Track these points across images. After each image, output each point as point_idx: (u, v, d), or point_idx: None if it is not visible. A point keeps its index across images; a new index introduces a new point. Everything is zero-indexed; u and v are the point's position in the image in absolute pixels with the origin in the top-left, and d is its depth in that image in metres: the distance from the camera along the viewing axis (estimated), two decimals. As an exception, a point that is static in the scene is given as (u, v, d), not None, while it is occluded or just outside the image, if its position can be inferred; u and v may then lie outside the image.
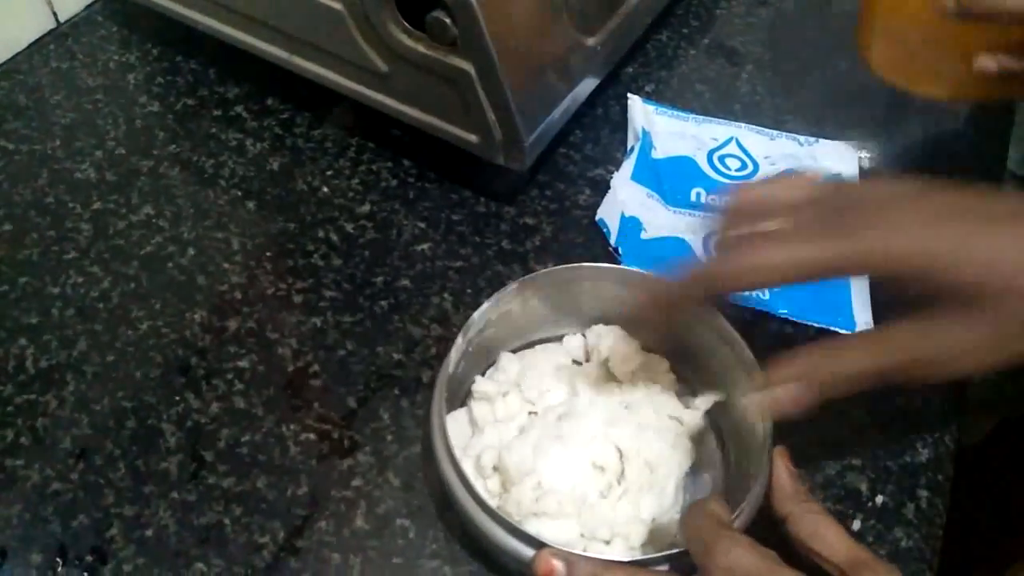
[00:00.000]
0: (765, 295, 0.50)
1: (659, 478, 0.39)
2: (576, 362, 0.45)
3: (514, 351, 0.45)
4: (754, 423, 0.38)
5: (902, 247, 0.31)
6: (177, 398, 0.45)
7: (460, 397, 0.43)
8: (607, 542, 0.37)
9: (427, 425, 0.41)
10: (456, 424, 0.41)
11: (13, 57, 0.61)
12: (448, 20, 0.45)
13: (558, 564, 0.34)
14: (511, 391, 0.42)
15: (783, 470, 0.36)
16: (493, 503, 0.36)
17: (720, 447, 0.43)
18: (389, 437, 0.44)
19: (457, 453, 0.37)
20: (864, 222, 0.32)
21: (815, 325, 0.49)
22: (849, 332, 0.49)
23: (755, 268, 0.33)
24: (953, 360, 0.33)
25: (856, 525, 0.42)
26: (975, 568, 0.55)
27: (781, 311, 0.49)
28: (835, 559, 0.33)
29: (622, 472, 0.39)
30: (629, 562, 0.34)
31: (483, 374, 0.44)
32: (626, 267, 0.45)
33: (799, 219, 0.33)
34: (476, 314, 0.41)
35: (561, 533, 0.37)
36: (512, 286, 0.42)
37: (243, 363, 0.47)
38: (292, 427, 0.44)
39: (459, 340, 0.41)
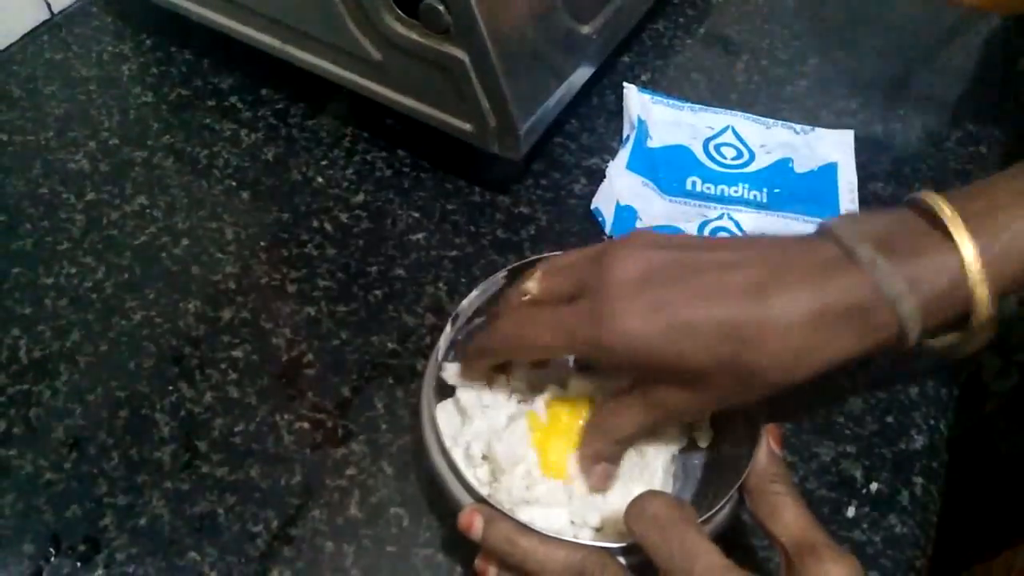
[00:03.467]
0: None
1: (648, 461, 0.39)
2: None
3: None
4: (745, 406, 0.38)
5: (622, 345, 0.33)
6: (171, 388, 0.45)
7: (451, 386, 0.43)
8: (598, 529, 0.37)
9: (416, 414, 0.41)
10: (446, 413, 0.41)
11: (7, 48, 0.61)
12: (442, 8, 0.45)
13: (477, 520, 0.35)
14: (498, 378, 0.42)
15: (764, 448, 0.35)
16: (483, 491, 0.36)
17: (712, 429, 0.42)
18: (383, 426, 0.44)
19: (447, 442, 0.37)
20: (595, 313, 0.34)
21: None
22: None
23: (511, 344, 0.38)
24: (682, 416, 0.38)
25: (851, 512, 0.42)
26: (969, 554, 0.55)
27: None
28: (784, 539, 0.32)
29: None
30: (598, 544, 0.34)
31: None
32: None
33: (547, 291, 0.37)
34: (465, 302, 0.41)
35: (551, 521, 0.37)
36: (501, 273, 0.42)
37: (237, 353, 0.47)
38: (286, 416, 0.44)
39: (448, 328, 0.41)
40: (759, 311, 0.32)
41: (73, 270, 0.50)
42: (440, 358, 0.40)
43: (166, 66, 0.61)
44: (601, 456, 0.38)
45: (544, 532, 0.34)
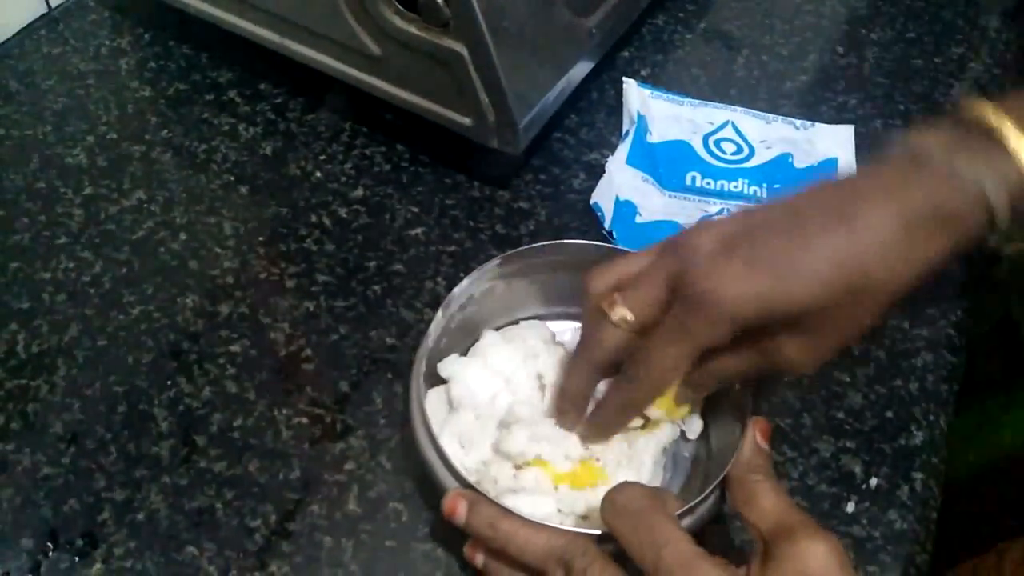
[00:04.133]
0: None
1: (636, 452, 0.39)
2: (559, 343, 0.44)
3: (499, 329, 0.45)
4: (736, 396, 0.38)
5: (738, 310, 0.33)
6: (169, 383, 0.45)
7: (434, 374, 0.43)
8: (584, 517, 0.37)
9: (406, 402, 0.41)
10: (437, 401, 0.41)
11: (4, 42, 0.61)
12: (441, 1, 0.45)
13: (461, 505, 0.35)
14: (486, 369, 0.41)
15: (749, 440, 0.35)
16: (471, 478, 0.36)
17: (703, 421, 0.42)
18: (382, 421, 0.44)
19: (435, 429, 0.37)
20: (698, 297, 0.33)
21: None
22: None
23: (655, 384, 0.36)
24: (793, 367, 0.35)
25: (850, 507, 0.42)
26: (968, 547, 0.54)
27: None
28: (761, 526, 0.32)
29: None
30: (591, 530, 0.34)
31: (466, 352, 0.43)
32: (611, 245, 0.44)
33: (644, 306, 0.35)
34: (456, 290, 0.41)
35: (538, 508, 0.37)
36: (494, 262, 0.42)
37: (235, 347, 0.47)
38: (284, 411, 0.44)
39: (438, 315, 0.41)
40: (851, 232, 0.32)
41: (71, 264, 0.50)
42: (431, 345, 0.40)
43: (164, 60, 0.61)
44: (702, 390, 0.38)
45: (527, 517, 0.34)
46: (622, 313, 0.35)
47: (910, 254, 0.32)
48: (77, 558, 0.40)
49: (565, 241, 0.44)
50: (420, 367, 0.39)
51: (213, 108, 0.58)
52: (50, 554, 0.40)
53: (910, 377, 0.47)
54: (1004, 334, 0.60)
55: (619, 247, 0.45)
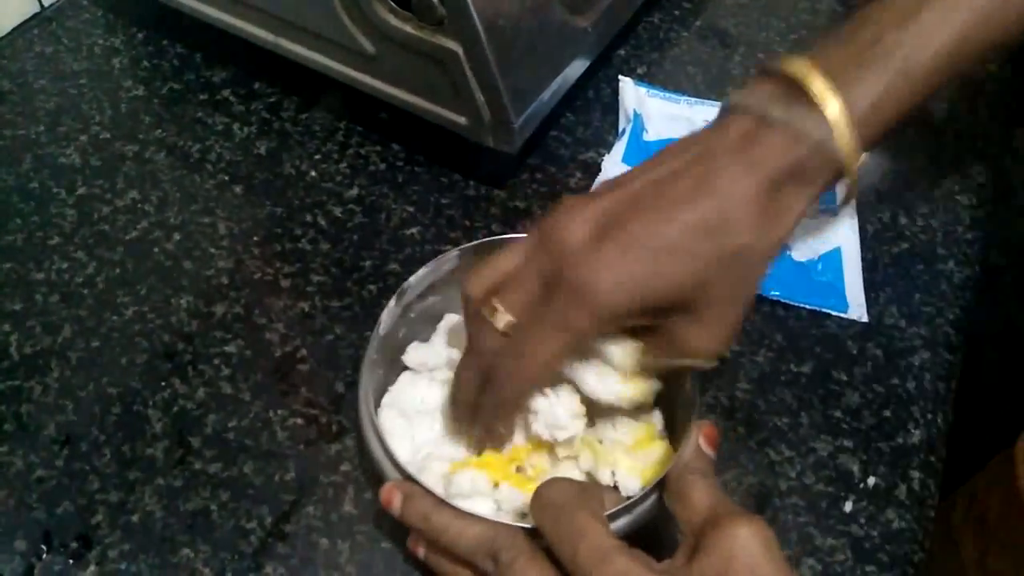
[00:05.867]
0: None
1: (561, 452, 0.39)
2: None
3: None
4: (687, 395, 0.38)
5: (616, 298, 0.32)
6: (163, 384, 0.45)
7: (401, 364, 0.43)
8: (524, 514, 0.37)
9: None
10: (412, 387, 0.41)
11: (-4, 42, 0.61)
12: (435, 0, 0.45)
13: (396, 497, 0.35)
14: (446, 348, 0.42)
15: (692, 443, 0.35)
16: (411, 469, 0.36)
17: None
18: (378, 422, 0.44)
19: (397, 419, 0.38)
20: (574, 290, 0.32)
21: (807, 307, 0.49)
22: (842, 313, 0.49)
23: (522, 385, 0.35)
24: (697, 353, 0.34)
25: (848, 507, 0.42)
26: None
27: (773, 293, 0.49)
28: (692, 520, 0.31)
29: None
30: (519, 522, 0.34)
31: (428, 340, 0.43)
32: None
33: (524, 306, 0.34)
34: (412, 278, 0.41)
35: (476, 510, 0.37)
36: (452, 252, 0.42)
37: (230, 348, 0.46)
38: (279, 412, 0.44)
39: (391, 303, 0.41)
40: (715, 201, 0.32)
41: (64, 265, 0.49)
42: (382, 333, 0.40)
43: (158, 60, 0.60)
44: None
45: (460, 508, 0.34)
46: (506, 319, 0.34)
47: (774, 214, 0.32)
48: (71, 560, 0.39)
49: (526, 235, 0.44)
50: (370, 354, 0.39)
51: (207, 107, 0.58)
52: (44, 556, 0.39)
53: (908, 376, 0.46)
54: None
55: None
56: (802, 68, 0.32)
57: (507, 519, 0.37)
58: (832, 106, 0.31)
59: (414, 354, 0.42)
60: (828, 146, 0.32)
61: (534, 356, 0.34)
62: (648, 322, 0.34)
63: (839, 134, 0.32)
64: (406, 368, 0.42)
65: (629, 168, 0.53)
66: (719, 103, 0.57)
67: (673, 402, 0.40)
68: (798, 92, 0.32)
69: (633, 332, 0.36)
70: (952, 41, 0.33)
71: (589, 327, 0.33)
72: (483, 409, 0.37)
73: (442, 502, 0.35)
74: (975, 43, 0.33)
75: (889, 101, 0.32)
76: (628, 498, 0.35)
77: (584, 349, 0.36)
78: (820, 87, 0.31)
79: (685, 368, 0.36)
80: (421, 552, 0.37)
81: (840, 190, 0.35)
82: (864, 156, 0.33)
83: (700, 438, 0.35)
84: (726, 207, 0.32)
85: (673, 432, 0.40)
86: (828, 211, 0.35)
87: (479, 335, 0.35)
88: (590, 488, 0.34)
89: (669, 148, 0.35)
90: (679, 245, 0.32)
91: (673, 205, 0.32)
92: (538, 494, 0.33)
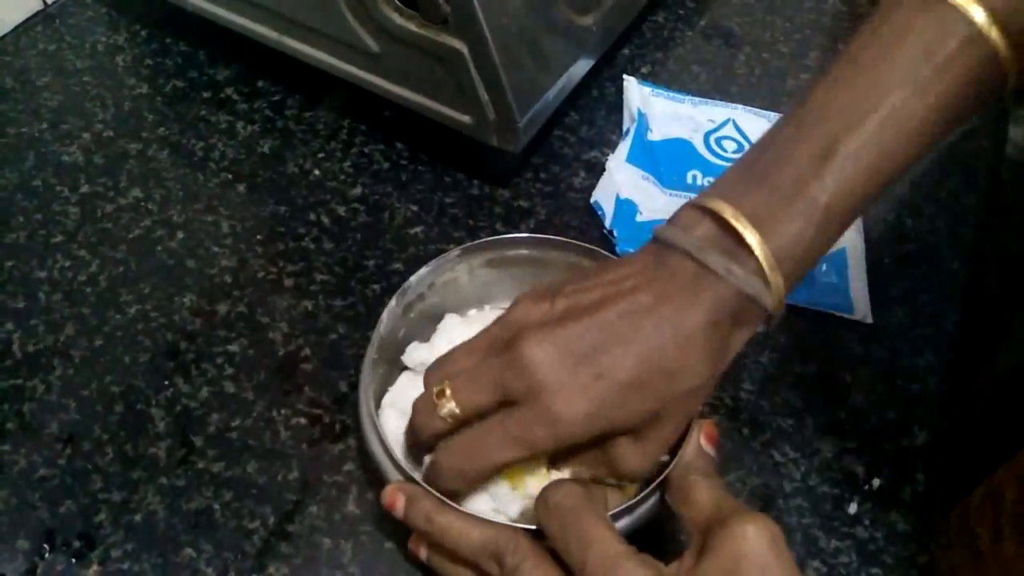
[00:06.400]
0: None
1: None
2: None
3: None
4: None
5: (579, 428, 0.33)
6: (166, 383, 0.45)
7: (401, 364, 0.43)
8: (522, 514, 0.37)
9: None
10: (412, 388, 0.41)
11: (0, 39, 0.61)
12: (440, -2, 0.45)
13: (399, 499, 0.36)
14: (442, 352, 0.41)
15: (693, 443, 0.36)
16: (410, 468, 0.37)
17: None
18: (381, 421, 0.44)
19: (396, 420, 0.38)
20: (538, 413, 0.33)
21: (811, 308, 0.49)
22: (846, 314, 0.48)
23: (466, 482, 0.36)
24: (631, 473, 0.35)
25: (853, 508, 0.42)
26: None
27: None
28: (697, 520, 0.32)
29: None
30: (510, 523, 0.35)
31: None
32: (572, 240, 0.43)
33: (474, 407, 0.35)
34: (413, 278, 0.41)
35: (475, 507, 0.37)
36: (454, 252, 0.42)
37: (233, 347, 0.46)
38: (283, 411, 0.44)
39: (392, 303, 0.41)
40: (677, 344, 0.33)
41: (67, 263, 0.49)
42: (383, 332, 0.40)
43: (161, 57, 0.60)
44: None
45: (462, 510, 0.34)
46: (449, 408, 0.35)
47: (719, 355, 0.34)
48: (74, 560, 0.39)
49: (527, 235, 0.44)
50: (371, 354, 0.39)
51: (211, 105, 0.57)
52: (46, 556, 0.39)
53: (913, 377, 0.46)
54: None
55: (573, 240, 0.44)
56: (733, 216, 0.33)
57: (504, 519, 0.37)
58: (765, 260, 0.33)
59: (414, 354, 0.42)
60: (763, 299, 0.33)
61: (486, 459, 0.35)
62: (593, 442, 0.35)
63: (773, 287, 0.33)
64: (406, 368, 0.42)
65: (634, 168, 0.53)
66: (724, 103, 0.58)
67: None
68: (732, 238, 0.33)
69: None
70: (867, 181, 0.33)
71: (547, 447, 0.34)
72: (431, 478, 0.37)
73: (445, 504, 0.35)
74: (887, 175, 0.34)
75: (814, 250, 0.34)
76: (630, 499, 0.35)
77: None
78: (754, 241, 0.33)
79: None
80: (423, 554, 0.37)
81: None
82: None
83: (701, 437, 0.36)
84: (685, 350, 0.33)
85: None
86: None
87: (424, 416, 0.36)
88: (595, 490, 0.34)
89: (628, 273, 0.35)
90: (645, 383, 0.33)
91: (641, 343, 0.33)
92: (543, 498, 0.33)
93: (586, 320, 0.34)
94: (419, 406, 0.37)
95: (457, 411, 0.35)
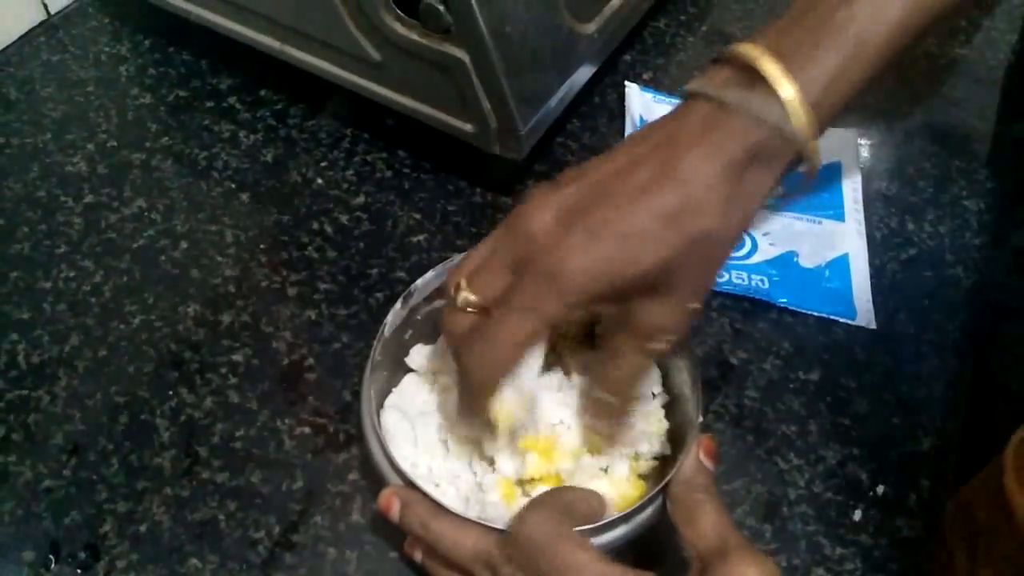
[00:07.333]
0: (764, 284, 0.49)
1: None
2: None
3: None
4: (688, 405, 0.38)
5: (585, 282, 0.32)
6: (170, 393, 0.45)
7: (405, 367, 0.43)
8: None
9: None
10: (417, 388, 0.41)
11: (3, 50, 0.61)
12: (442, 7, 0.45)
13: (395, 504, 0.36)
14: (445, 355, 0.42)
15: (692, 457, 0.35)
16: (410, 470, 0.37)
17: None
18: (385, 430, 0.44)
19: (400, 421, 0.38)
20: (545, 274, 0.33)
21: (815, 314, 0.49)
22: (850, 320, 0.48)
23: (492, 368, 0.35)
24: (663, 331, 0.34)
25: (857, 515, 0.42)
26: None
27: (780, 300, 0.49)
28: (699, 545, 0.32)
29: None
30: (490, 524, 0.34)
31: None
32: None
33: (492, 290, 0.34)
34: (419, 281, 0.41)
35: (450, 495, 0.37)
36: (460, 256, 0.42)
37: (237, 357, 0.46)
38: (287, 421, 0.44)
39: (397, 305, 0.41)
40: (679, 186, 0.32)
41: (71, 274, 0.49)
42: (387, 335, 0.40)
43: (164, 67, 0.60)
44: (608, 406, 0.37)
45: (459, 515, 0.34)
46: (465, 296, 0.34)
47: (737, 197, 0.33)
48: (79, 570, 0.39)
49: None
50: (374, 356, 0.39)
51: (214, 115, 0.58)
52: (52, 567, 0.39)
53: (916, 383, 0.46)
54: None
55: None
56: (755, 52, 0.32)
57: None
58: (786, 89, 0.32)
59: (417, 356, 0.42)
60: (785, 129, 0.32)
61: (503, 339, 0.34)
62: (612, 308, 0.34)
63: (795, 117, 0.32)
64: (410, 370, 0.42)
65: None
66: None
67: (674, 416, 0.40)
68: (754, 76, 0.32)
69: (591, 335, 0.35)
70: (901, 14, 0.33)
71: (557, 311, 0.33)
72: (461, 394, 0.38)
73: (440, 509, 0.35)
74: (922, 15, 0.33)
75: (843, 80, 0.33)
76: (628, 508, 0.35)
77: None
78: (774, 71, 0.32)
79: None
80: (418, 556, 0.37)
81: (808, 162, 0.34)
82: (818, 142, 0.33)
83: (700, 452, 0.36)
84: (690, 192, 0.32)
85: (676, 448, 0.39)
86: (791, 192, 0.35)
87: (447, 316, 0.36)
88: (568, 507, 0.34)
89: (632, 137, 0.35)
90: (646, 230, 0.32)
91: (638, 191, 0.32)
92: (515, 534, 0.33)
93: (582, 180, 0.33)
94: (445, 312, 0.36)
95: (472, 298, 0.34)
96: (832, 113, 0.33)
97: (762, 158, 0.32)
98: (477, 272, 0.35)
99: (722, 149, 0.32)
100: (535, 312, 0.33)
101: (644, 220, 0.32)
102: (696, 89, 0.33)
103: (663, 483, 0.35)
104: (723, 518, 0.33)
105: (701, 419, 0.37)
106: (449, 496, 0.39)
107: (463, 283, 0.35)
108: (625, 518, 0.35)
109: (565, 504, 0.34)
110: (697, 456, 0.36)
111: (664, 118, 0.34)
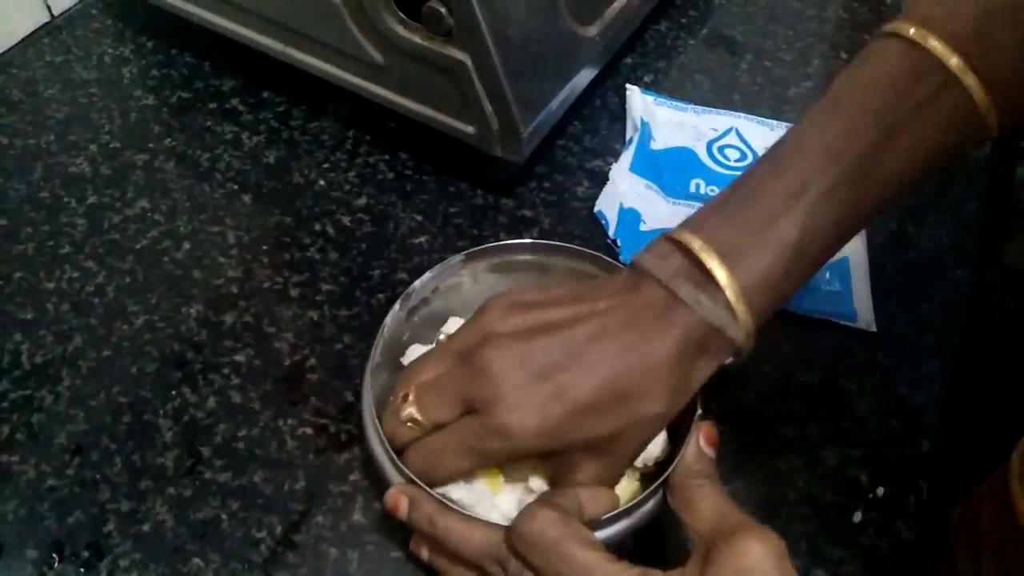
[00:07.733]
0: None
1: None
2: None
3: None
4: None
5: (533, 442, 0.34)
6: (173, 393, 0.45)
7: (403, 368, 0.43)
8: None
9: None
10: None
11: (7, 51, 0.61)
12: (444, 10, 0.45)
13: (403, 501, 0.36)
14: None
15: (692, 445, 0.36)
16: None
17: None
18: (387, 431, 0.44)
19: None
20: (495, 426, 0.34)
21: (814, 316, 0.49)
22: (850, 322, 0.49)
23: (434, 481, 0.37)
24: (596, 482, 0.36)
25: (857, 517, 0.42)
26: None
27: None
28: (700, 529, 0.32)
29: None
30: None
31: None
32: (576, 246, 0.44)
33: (436, 415, 0.36)
34: (417, 283, 0.42)
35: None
36: (458, 257, 0.43)
37: (240, 357, 0.46)
38: (289, 421, 0.44)
39: (396, 307, 0.41)
40: (639, 370, 0.34)
41: (75, 274, 0.50)
42: (387, 336, 0.41)
43: (167, 69, 0.61)
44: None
45: (466, 512, 0.35)
46: (410, 412, 0.36)
47: (682, 385, 0.35)
48: (82, 569, 0.39)
49: (531, 241, 0.44)
50: (374, 357, 0.40)
51: (216, 116, 0.58)
52: (55, 566, 0.40)
53: (916, 385, 0.46)
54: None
55: (578, 247, 0.44)
56: (701, 247, 0.34)
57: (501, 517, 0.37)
58: (733, 295, 0.33)
59: (414, 356, 0.42)
60: (729, 331, 0.34)
61: (443, 467, 0.36)
62: (552, 457, 0.36)
63: (740, 322, 0.33)
64: None
65: (637, 177, 0.54)
66: (726, 112, 0.58)
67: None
68: (703, 272, 0.34)
69: None
70: (836, 230, 0.34)
71: (498, 458, 0.35)
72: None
73: (447, 506, 0.35)
74: (855, 224, 0.35)
75: (787, 284, 0.34)
76: (629, 502, 0.36)
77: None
78: (721, 275, 0.33)
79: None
80: (424, 554, 0.37)
81: None
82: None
83: (700, 439, 0.36)
84: (647, 378, 0.34)
85: (674, 440, 0.40)
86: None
87: (389, 421, 0.37)
88: (569, 506, 0.34)
89: (598, 292, 0.36)
90: (603, 407, 0.34)
91: (603, 367, 0.34)
92: (520, 532, 0.33)
93: (552, 337, 0.35)
94: (386, 412, 0.38)
95: (418, 417, 0.36)
96: (771, 314, 0.35)
97: (708, 351, 0.35)
98: (427, 389, 0.36)
99: (676, 341, 0.34)
100: (481, 455, 0.35)
101: (602, 396, 0.34)
102: (649, 269, 0.35)
103: (664, 475, 0.35)
104: (723, 500, 0.33)
105: (700, 411, 0.37)
106: (450, 495, 0.39)
107: (411, 396, 0.36)
108: (628, 511, 0.35)
109: (575, 502, 0.35)
110: (697, 444, 0.36)
111: (630, 286, 0.35)
